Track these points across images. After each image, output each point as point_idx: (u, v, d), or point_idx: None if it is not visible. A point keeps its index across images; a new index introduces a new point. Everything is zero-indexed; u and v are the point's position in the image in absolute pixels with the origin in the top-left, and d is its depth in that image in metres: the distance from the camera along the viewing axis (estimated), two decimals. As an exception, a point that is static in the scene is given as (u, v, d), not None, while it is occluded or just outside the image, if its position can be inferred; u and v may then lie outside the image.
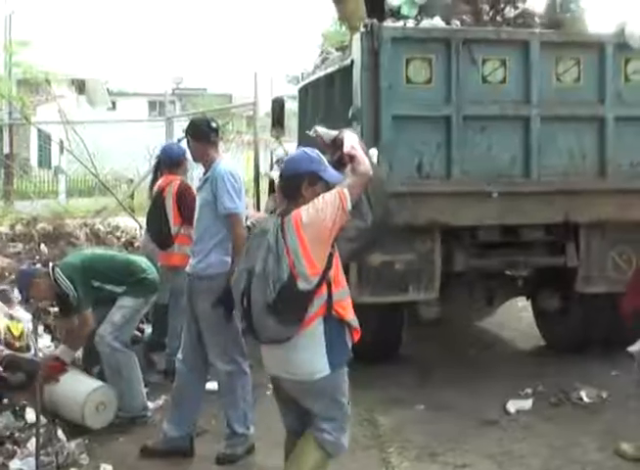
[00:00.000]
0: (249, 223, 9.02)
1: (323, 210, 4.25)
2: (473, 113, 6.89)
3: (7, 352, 6.77)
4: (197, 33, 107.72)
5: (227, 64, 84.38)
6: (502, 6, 7.80)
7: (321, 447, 4.51)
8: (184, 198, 7.46)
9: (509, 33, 7.21)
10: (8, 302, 7.70)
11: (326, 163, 4.49)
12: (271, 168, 12.49)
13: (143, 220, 13.30)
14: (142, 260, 6.97)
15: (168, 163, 7.81)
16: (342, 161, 4.56)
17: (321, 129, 5.03)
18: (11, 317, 6.64)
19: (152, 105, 45.14)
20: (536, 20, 7.75)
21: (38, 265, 6.72)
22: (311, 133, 5.11)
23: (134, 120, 19.94)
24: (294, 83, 11.28)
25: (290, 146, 11.21)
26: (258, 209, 12.48)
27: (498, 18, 7.71)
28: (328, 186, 4.37)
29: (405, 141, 6.77)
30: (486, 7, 7.72)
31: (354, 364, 7.89)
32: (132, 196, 15.97)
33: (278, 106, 10.68)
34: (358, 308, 7.30)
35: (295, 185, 4.41)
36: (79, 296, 6.24)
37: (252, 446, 5.92)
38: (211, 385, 6.30)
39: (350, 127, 6.93)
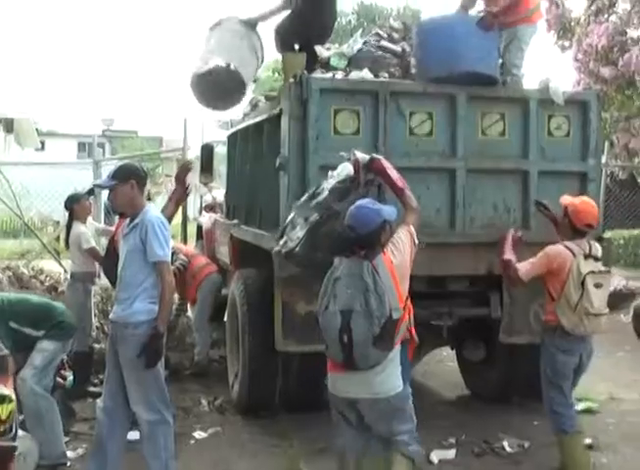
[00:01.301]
0: (177, 264, 9.02)
1: (404, 251, 5.10)
2: (399, 164, 6.83)
3: None
4: (129, 75, 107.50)
5: (158, 107, 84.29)
6: (429, 59, 7.91)
7: (408, 458, 5.15)
8: None
9: (436, 87, 7.30)
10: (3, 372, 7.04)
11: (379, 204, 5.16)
12: (200, 213, 12.44)
13: (67, 264, 13.13)
14: (59, 305, 6.91)
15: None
16: (372, 183, 5.48)
17: (359, 153, 5.61)
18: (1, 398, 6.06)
19: (81, 146, 44.68)
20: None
21: None
22: (348, 155, 5.61)
23: (59, 163, 19.67)
24: (225, 128, 11.27)
25: (218, 192, 11.21)
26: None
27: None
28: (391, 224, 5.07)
29: (332, 191, 6.81)
30: (414, 60, 7.82)
31: (278, 412, 7.93)
32: (58, 238, 15.76)
33: (207, 152, 10.66)
34: (282, 356, 7.37)
35: (374, 239, 4.97)
36: None
37: None
38: (134, 434, 6.22)
39: (278, 176, 7.03)
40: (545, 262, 6.15)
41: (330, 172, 5.86)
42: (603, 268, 6.18)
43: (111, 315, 5.94)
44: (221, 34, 7.85)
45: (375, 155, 5.63)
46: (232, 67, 7.59)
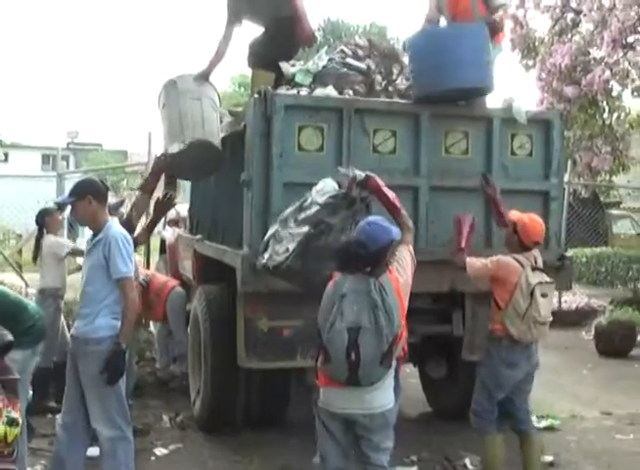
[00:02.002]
0: (140, 280, 8.97)
1: (407, 269, 5.22)
2: (362, 182, 6.94)
3: None
4: (93, 88, 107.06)
5: (123, 120, 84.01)
6: (394, 77, 7.95)
7: None
8: None
9: (400, 105, 7.35)
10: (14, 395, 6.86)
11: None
12: (164, 227, 12.38)
13: (30, 277, 12.99)
14: (32, 306, 6.78)
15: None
16: (364, 200, 5.52)
17: (356, 171, 5.58)
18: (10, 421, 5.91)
19: (45, 158, 44.52)
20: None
21: None
22: (345, 171, 5.60)
23: (23, 176, 19.55)
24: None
25: (182, 207, 11.16)
26: (148, 267, 12.36)
27: (390, 88, 7.84)
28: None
29: (296, 208, 6.80)
30: (379, 78, 7.85)
31: (240, 429, 7.89)
32: (20, 252, 15.62)
33: (171, 166, 10.61)
34: (245, 373, 7.34)
35: (382, 256, 4.98)
36: None
37: None
38: (94, 450, 6.16)
39: (242, 192, 7.02)
40: (493, 268, 6.26)
41: (314, 188, 5.77)
42: (548, 279, 6.31)
43: (72, 331, 5.89)
44: (182, 102, 7.78)
45: (370, 173, 5.60)
46: (205, 139, 7.58)
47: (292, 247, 5.52)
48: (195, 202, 10.05)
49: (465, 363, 7.75)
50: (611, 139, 15.94)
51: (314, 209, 5.56)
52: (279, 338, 6.93)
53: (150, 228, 7.03)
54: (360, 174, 5.55)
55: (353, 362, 4.77)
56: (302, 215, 5.60)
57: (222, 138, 7.95)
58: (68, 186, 15.59)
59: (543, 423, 8.32)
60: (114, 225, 5.79)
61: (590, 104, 15.36)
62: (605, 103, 15.69)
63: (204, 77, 7.89)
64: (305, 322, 6.93)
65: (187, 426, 8.12)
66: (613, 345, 12.51)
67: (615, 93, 15.51)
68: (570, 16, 15.71)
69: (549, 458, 7.30)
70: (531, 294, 6.11)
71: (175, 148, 7.45)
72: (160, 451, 7.41)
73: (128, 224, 6.39)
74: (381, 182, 5.60)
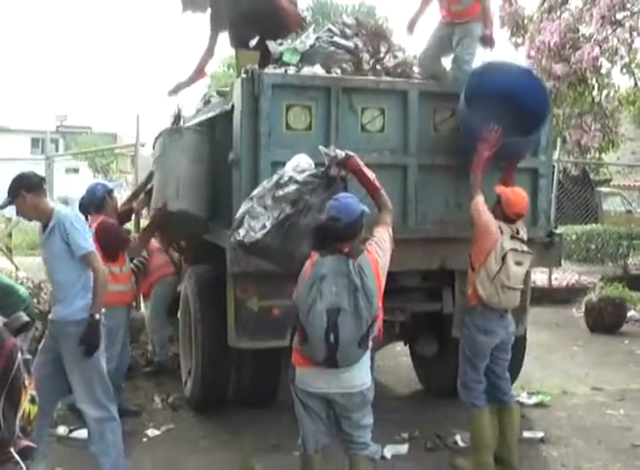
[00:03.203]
0: (135, 262, 8.95)
1: (386, 251, 5.19)
2: (351, 160, 6.93)
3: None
4: (83, 70, 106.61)
5: (112, 102, 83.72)
6: (382, 56, 7.94)
7: (371, 459, 5.25)
8: (105, 235, 7.30)
9: (388, 83, 7.32)
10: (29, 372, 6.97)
11: None
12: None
13: (20, 261, 12.99)
14: (23, 292, 6.76)
15: (95, 203, 7.66)
16: (342, 179, 5.47)
17: (337, 150, 5.51)
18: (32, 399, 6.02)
19: (35, 142, 44.29)
20: (415, 69, 7.92)
21: None
22: (326, 150, 5.53)
23: (11, 159, 19.42)
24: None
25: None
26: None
27: (378, 67, 7.83)
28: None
29: (284, 187, 6.78)
30: (367, 56, 7.83)
31: (231, 409, 7.91)
32: (10, 235, 15.58)
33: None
34: (236, 352, 7.35)
35: (357, 228, 5.00)
36: None
37: None
38: (82, 432, 6.18)
39: (231, 172, 7.00)
40: (479, 220, 6.43)
41: (288, 164, 5.78)
42: (526, 249, 6.43)
43: (51, 315, 5.86)
44: (167, 160, 7.89)
45: (350, 152, 5.52)
46: (191, 210, 7.73)
47: (269, 224, 5.46)
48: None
49: (455, 341, 7.74)
50: (600, 116, 15.94)
51: (293, 186, 5.49)
52: (269, 317, 6.93)
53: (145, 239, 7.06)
54: (341, 153, 5.48)
55: (332, 344, 4.76)
56: (280, 192, 5.53)
57: (210, 118, 7.95)
58: (58, 169, 15.57)
59: (534, 399, 8.36)
60: (62, 209, 5.80)
61: (579, 81, 15.34)
62: (594, 80, 15.66)
63: (175, 91, 7.96)
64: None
65: (178, 407, 8.14)
66: (603, 321, 12.56)
67: (604, 70, 15.49)
68: (558, -8, 15.68)
69: (539, 434, 7.35)
70: (503, 258, 6.25)
71: (175, 206, 7.53)
72: (152, 432, 7.42)
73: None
74: (361, 162, 5.51)
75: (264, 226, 5.49)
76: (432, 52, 7.84)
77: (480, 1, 7.58)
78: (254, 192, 5.75)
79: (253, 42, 8.67)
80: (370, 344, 4.95)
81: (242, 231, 5.62)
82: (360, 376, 5.02)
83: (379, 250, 5.13)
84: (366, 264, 4.90)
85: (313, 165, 5.69)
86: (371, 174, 5.51)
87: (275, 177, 5.68)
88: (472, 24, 7.61)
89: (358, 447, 5.21)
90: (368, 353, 5.02)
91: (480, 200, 6.44)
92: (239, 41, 8.54)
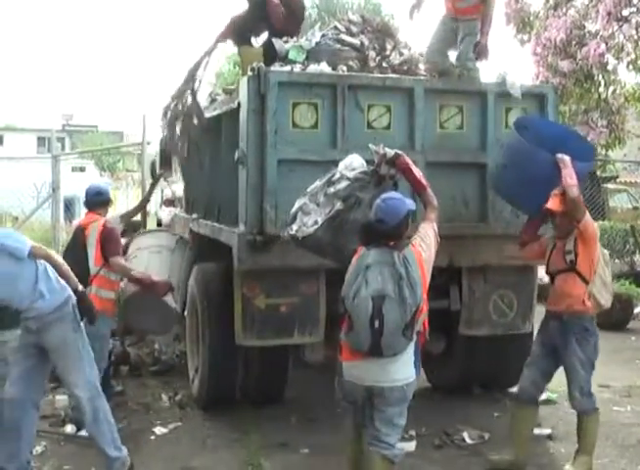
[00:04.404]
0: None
1: (431, 246, 5.40)
2: (358, 158, 6.93)
3: None
4: (89, 69, 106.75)
5: (119, 101, 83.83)
6: (388, 53, 7.93)
7: (390, 461, 5.26)
8: (109, 238, 7.35)
9: (394, 80, 7.31)
10: None
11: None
12: (160, 207, 12.38)
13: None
14: None
15: (94, 201, 7.68)
16: (392, 177, 5.70)
17: (386, 148, 5.73)
18: None
19: (41, 141, 44.34)
20: (420, 67, 7.91)
21: None
22: (376, 148, 5.74)
23: (17, 158, 19.48)
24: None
25: (178, 186, 11.15)
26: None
27: (384, 64, 7.82)
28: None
29: (291, 185, 6.76)
30: (373, 53, 7.82)
31: (239, 407, 7.92)
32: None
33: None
34: (243, 350, 7.36)
35: (403, 229, 5.27)
36: None
37: (132, 465, 6.06)
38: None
39: (237, 170, 7.01)
40: (595, 227, 6.37)
41: (342, 162, 5.94)
42: None
43: (32, 313, 5.79)
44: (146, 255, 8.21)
45: (399, 151, 5.74)
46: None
47: (321, 220, 5.70)
48: (190, 181, 10.02)
49: (463, 338, 7.78)
50: (606, 113, 15.91)
51: (344, 183, 5.71)
52: (276, 315, 6.94)
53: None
54: (390, 152, 5.69)
55: (377, 330, 4.95)
56: (332, 189, 5.78)
57: (216, 116, 7.97)
58: (64, 168, 15.59)
59: (541, 396, 8.33)
60: None
61: (586, 78, 15.32)
62: (600, 77, 15.64)
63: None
64: (302, 299, 6.98)
65: (186, 405, 8.15)
66: (610, 318, 12.50)
67: (610, 67, 15.47)
68: (564, -11, 15.65)
69: (547, 431, 7.34)
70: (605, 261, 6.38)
71: None
72: (159, 430, 7.44)
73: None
74: (409, 160, 5.74)
75: (316, 222, 5.72)
76: (438, 46, 7.82)
77: (485, 4, 7.55)
78: (308, 189, 5.92)
79: (259, 40, 8.69)
80: (414, 337, 5.13)
81: (295, 226, 5.84)
82: (404, 370, 5.17)
83: (422, 244, 5.34)
84: (410, 256, 5.12)
85: (365, 164, 5.85)
86: (418, 173, 5.75)
87: (327, 175, 5.88)
88: (476, 22, 7.59)
89: (382, 446, 5.26)
90: (412, 347, 5.16)
91: (587, 213, 6.31)
92: (242, 39, 8.56)
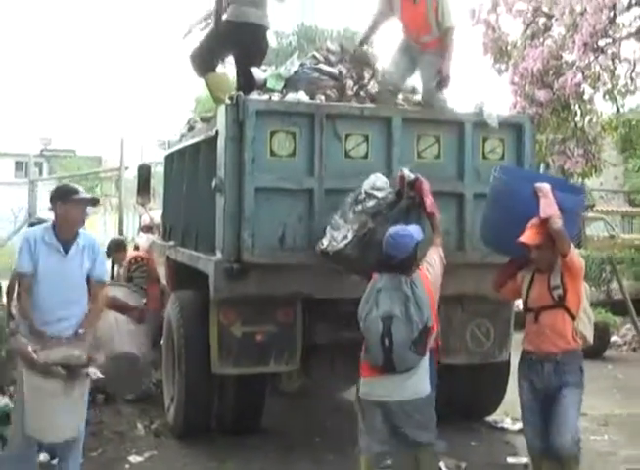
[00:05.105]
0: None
1: (437, 270, 5.89)
2: (335, 186, 6.94)
3: None
4: (67, 93, 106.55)
5: (97, 126, 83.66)
6: (366, 82, 7.96)
7: (435, 456, 5.93)
8: None
9: (372, 110, 7.34)
10: None
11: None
12: (138, 234, 12.34)
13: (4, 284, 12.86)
14: None
15: None
16: (414, 199, 6.33)
17: (406, 171, 6.42)
18: None
19: (19, 165, 44.10)
20: (399, 96, 7.94)
21: None
22: (403, 172, 6.43)
23: (-7, 183, 19.41)
24: (164, 148, 11.23)
25: (156, 213, 11.12)
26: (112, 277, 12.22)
27: (362, 93, 7.85)
28: None
29: (268, 213, 6.79)
30: (351, 83, 7.85)
31: (215, 435, 7.87)
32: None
33: (144, 173, 10.61)
34: (219, 379, 7.32)
35: (412, 261, 5.73)
36: None
37: None
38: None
39: (215, 198, 7.01)
40: (582, 262, 6.03)
41: (365, 182, 6.49)
42: None
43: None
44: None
45: (420, 177, 6.34)
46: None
47: (350, 235, 6.26)
48: (168, 208, 10.01)
49: (440, 367, 7.75)
50: (583, 142, 15.98)
51: (372, 202, 6.35)
52: (253, 343, 6.92)
53: None
54: (410, 176, 6.35)
55: (387, 347, 5.48)
56: (359, 207, 6.36)
57: (194, 144, 7.98)
58: (41, 193, 15.53)
59: (517, 425, 8.32)
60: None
61: (562, 107, 15.38)
62: (577, 106, 15.70)
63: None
64: (279, 327, 6.97)
65: (161, 433, 8.09)
66: (586, 346, 12.54)
67: (586, 96, 15.53)
68: (541, 20, 15.73)
69: (523, 460, 7.32)
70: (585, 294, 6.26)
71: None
72: (134, 459, 7.37)
73: None
74: (426, 187, 6.30)
75: (346, 237, 6.25)
76: (396, 72, 7.82)
77: (445, 38, 7.60)
78: (341, 207, 6.50)
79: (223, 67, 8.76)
80: (427, 353, 5.63)
81: (325, 241, 6.33)
82: (417, 384, 5.64)
83: (429, 268, 5.85)
84: (417, 280, 5.67)
85: (388, 184, 6.46)
86: (430, 199, 6.25)
87: (352, 195, 6.46)
88: (439, 56, 7.61)
89: (423, 447, 5.74)
90: (426, 363, 5.65)
91: (572, 245, 5.94)
92: (208, 66, 8.60)
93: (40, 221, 7.90)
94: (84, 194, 6.05)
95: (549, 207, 5.79)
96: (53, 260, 5.80)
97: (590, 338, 6.29)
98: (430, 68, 7.64)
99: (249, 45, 8.29)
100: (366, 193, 6.39)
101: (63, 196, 5.91)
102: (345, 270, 6.48)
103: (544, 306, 5.99)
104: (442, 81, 7.54)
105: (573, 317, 5.98)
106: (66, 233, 5.85)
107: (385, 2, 7.91)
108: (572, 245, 5.93)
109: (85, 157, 46.86)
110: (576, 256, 5.93)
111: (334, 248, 6.27)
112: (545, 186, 5.90)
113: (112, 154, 26.43)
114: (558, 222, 5.73)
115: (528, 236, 5.83)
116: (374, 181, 6.49)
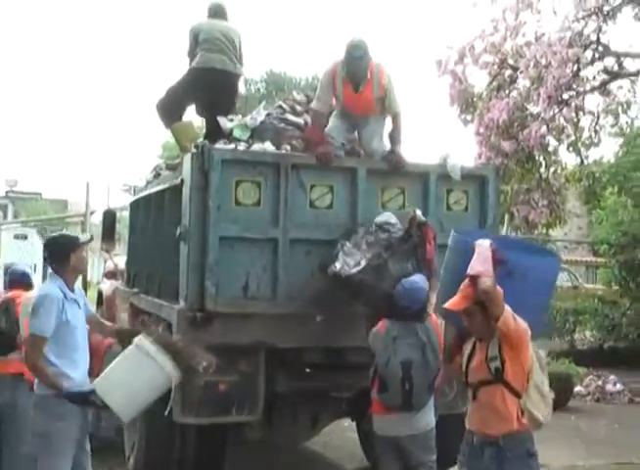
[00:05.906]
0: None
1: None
2: (299, 236, 6.98)
3: None
4: (33, 136, 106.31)
5: (63, 169, 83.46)
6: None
7: None
8: None
9: (337, 161, 7.38)
10: None
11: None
12: (101, 280, 12.27)
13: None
14: None
15: (20, 281, 7.64)
16: (421, 241, 6.76)
17: (418, 212, 6.87)
18: None
19: (-16, 207, 43.86)
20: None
21: None
22: (415, 213, 6.84)
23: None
24: (130, 193, 11.24)
25: (121, 259, 11.08)
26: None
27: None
28: None
29: (232, 262, 6.80)
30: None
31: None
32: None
33: (109, 218, 10.56)
34: (181, 427, 7.25)
35: (424, 310, 6.33)
36: None
37: None
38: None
39: (179, 246, 7.00)
40: (525, 325, 4.95)
41: (377, 218, 6.96)
42: None
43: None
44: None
45: (428, 222, 6.84)
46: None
47: (364, 262, 6.57)
48: (132, 255, 9.97)
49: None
50: (547, 193, 16.12)
51: (384, 234, 6.77)
52: (215, 393, 6.86)
53: None
54: (421, 217, 6.80)
55: (407, 390, 6.17)
56: (372, 238, 6.77)
57: (160, 191, 7.97)
58: (5, 235, 15.41)
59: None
60: None
61: (527, 158, 15.54)
62: (541, 157, 15.88)
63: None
64: (241, 377, 6.92)
65: (121, 482, 7.98)
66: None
67: (551, 148, 15.71)
68: (507, 72, 15.95)
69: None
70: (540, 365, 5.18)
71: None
72: (92, 509, 7.25)
73: None
74: (432, 234, 6.77)
75: (359, 263, 6.60)
76: (338, 135, 7.66)
77: (394, 123, 7.68)
78: (353, 235, 6.85)
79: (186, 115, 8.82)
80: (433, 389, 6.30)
81: (338, 264, 6.60)
82: (426, 418, 6.39)
83: (439, 319, 6.06)
84: (430, 325, 6.26)
85: (399, 222, 6.84)
86: (433, 246, 6.73)
87: (363, 227, 6.90)
88: (382, 119, 7.74)
89: (424, 465, 6.36)
90: (432, 398, 6.35)
91: (508, 308, 4.89)
92: (175, 115, 8.65)
93: (16, 271, 7.87)
94: (83, 237, 6.07)
95: (479, 263, 4.85)
96: (75, 313, 5.73)
97: (544, 419, 5.07)
98: (373, 133, 7.69)
99: (214, 92, 8.35)
100: (378, 226, 6.84)
101: (73, 246, 5.81)
102: (352, 297, 6.79)
103: (482, 381, 5.09)
104: (396, 165, 7.48)
105: (517, 394, 5.01)
106: (73, 282, 5.84)
107: (327, 94, 7.71)
108: (507, 307, 4.86)
109: (51, 200, 46.68)
110: (512, 319, 4.86)
111: (347, 272, 6.58)
112: (484, 242, 4.95)
113: (77, 197, 26.29)
114: (486, 281, 4.79)
115: (453, 302, 4.98)
116: (386, 219, 6.93)
